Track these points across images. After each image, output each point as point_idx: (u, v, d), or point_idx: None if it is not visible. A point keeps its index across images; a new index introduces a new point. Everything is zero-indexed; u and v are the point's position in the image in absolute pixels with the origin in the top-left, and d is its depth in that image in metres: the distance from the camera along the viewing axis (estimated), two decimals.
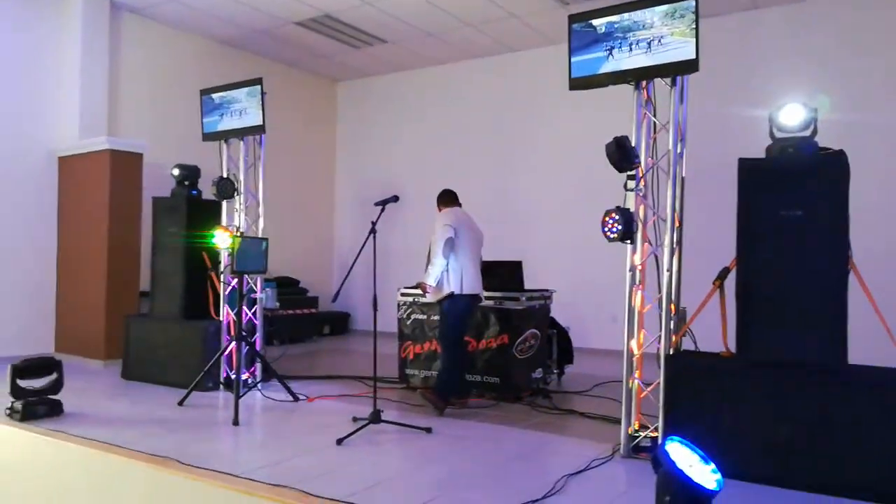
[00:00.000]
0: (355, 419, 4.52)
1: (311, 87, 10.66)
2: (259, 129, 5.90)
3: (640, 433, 3.95)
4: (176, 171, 6.32)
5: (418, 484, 3.51)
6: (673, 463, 2.29)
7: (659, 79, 3.99)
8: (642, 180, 4.02)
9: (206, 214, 6.18)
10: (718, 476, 2.32)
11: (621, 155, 3.78)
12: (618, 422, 4.51)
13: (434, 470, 3.75)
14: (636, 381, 3.99)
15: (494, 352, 5.51)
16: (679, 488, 2.24)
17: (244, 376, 5.58)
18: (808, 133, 3.63)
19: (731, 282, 3.77)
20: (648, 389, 3.96)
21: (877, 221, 5.94)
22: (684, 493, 2.23)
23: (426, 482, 3.54)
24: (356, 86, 10.89)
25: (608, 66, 4.06)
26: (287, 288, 9.26)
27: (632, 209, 3.94)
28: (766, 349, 3.57)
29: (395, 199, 4.79)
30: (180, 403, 5.15)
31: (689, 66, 3.77)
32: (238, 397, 4.75)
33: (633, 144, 3.91)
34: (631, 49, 3.98)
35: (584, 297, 7.77)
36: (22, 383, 4.64)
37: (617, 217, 3.82)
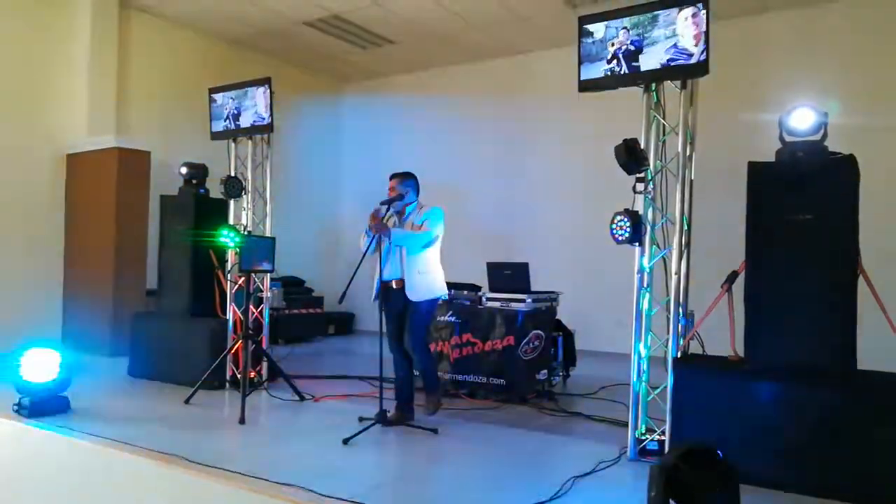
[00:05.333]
0: (361, 419, 4.52)
1: (319, 87, 10.68)
2: (267, 129, 5.90)
3: (648, 436, 3.94)
4: (184, 170, 6.34)
5: (425, 484, 3.51)
6: None
7: (668, 81, 3.99)
8: (651, 183, 4.01)
9: (214, 213, 6.18)
10: None
11: (630, 157, 3.78)
12: (624, 425, 4.50)
13: (441, 471, 3.76)
14: (643, 385, 3.98)
15: (500, 353, 5.51)
16: None
17: (250, 375, 5.58)
18: (818, 137, 3.62)
19: (739, 285, 3.77)
20: (655, 393, 3.95)
21: (887, 225, 5.89)
22: None
23: (433, 483, 3.55)
24: (363, 87, 10.91)
25: (618, 69, 4.06)
26: (292, 287, 9.29)
27: (640, 212, 3.94)
28: (774, 353, 3.56)
29: (401, 198, 4.77)
30: (187, 402, 5.16)
31: (700, 69, 3.77)
32: (245, 396, 4.76)
33: (642, 147, 3.91)
34: (641, 51, 3.97)
35: (589, 299, 7.75)
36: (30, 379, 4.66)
37: (625, 219, 3.82)
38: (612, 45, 4.07)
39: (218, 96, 6.24)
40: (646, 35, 3.94)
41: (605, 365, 7.03)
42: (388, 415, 4.48)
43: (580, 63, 4.19)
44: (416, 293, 4.63)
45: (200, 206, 6.20)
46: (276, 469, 3.54)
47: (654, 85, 4.04)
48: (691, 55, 3.79)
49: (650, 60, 3.93)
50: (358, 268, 4.45)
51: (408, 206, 4.81)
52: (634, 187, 3.96)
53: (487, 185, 9.02)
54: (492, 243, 8.24)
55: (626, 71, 4.02)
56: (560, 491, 3.30)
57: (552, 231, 8.66)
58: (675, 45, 3.84)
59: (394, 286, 4.68)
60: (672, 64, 3.85)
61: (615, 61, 4.07)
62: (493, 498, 3.23)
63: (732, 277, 3.81)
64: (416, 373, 4.86)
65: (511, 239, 8.51)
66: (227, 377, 5.81)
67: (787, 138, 3.69)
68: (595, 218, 7.96)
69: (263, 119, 5.90)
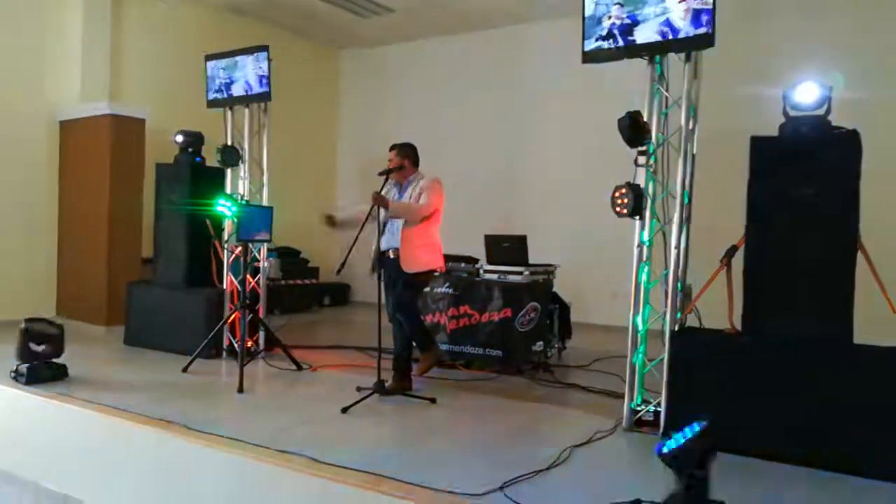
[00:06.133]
0: (359, 388, 4.54)
1: (315, 55, 10.54)
2: (265, 97, 5.84)
3: (643, 407, 3.98)
4: (179, 138, 6.27)
5: (425, 452, 3.54)
6: None
7: (672, 54, 3.95)
8: (653, 156, 3.99)
9: (210, 182, 6.13)
10: None
11: (634, 130, 3.76)
12: (619, 396, 4.55)
13: (440, 439, 3.79)
14: (640, 356, 4.01)
15: (497, 325, 5.53)
16: None
17: (247, 344, 5.58)
18: (821, 112, 3.61)
19: (738, 260, 3.79)
20: (652, 365, 3.98)
21: (889, 202, 5.83)
22: None
23: (432, 451, 3.58)
24: (360, 55, 10.78)
25: (621, 40, 4.01)
26: (288, 258, 9.26)
27: (641, 185, 3.93)
28: (771, 327, 3.58)
29: (400, 168, 4.75)
30: (184, 370, 5.17)
31: (705, 41, 3.73)
32: (242, 365, 4.77)
33: (645, 120, 3.89)
34: (636, 25, 3.94)
35: (585, 272, 7.76)
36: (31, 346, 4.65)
37: (627, 192, 3.81)
38: (609, 18, 4.03)
39: (214, 63, 6.15)
40: (636, 11, 3.91)
41: (600, 337, 7.08)
42: (386, 384, 4.50)
43: (584, 34, 4.14)
44: (410, 265, 4.63)
45: (196, 174, 6.16)
46: (275, 437, 3.57)
47: (657, 57, 4.00)
48: (679, 30, 3.75)
49: (644, 34, 3.89)
50: (357, 238, 4.43)
51: (407, 177, 4.79)
52: (636, 160, 3.95)
53: (485, 156, 8.97)
54: (489, 216, 8.19)
55: (622, 45, 3.99)
56: (557, 460, 3.34)
57: (549, 203, 8.63)
58: (666, 21, 3.80)
59: (391, 256, 4.69)
60: (677, 36, 3.80)
61: (611, 38, 4.03)
62: (491, 466, 3.25)
63: (732, 251, 3.82)
64: (415, 344, 4.89)
65: (508, 211, 8.50)
66: (224, 346, 5.82)
67: (791, 113, 3.68)
68: (592, 191, 7.91)
69: (261, 87, 5.83)
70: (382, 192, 4.62)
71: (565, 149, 8.60)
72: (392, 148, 4.84)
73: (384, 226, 4.66)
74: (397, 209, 4.59)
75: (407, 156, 4.80)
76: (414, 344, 4.85)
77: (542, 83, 8.82)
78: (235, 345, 5.69)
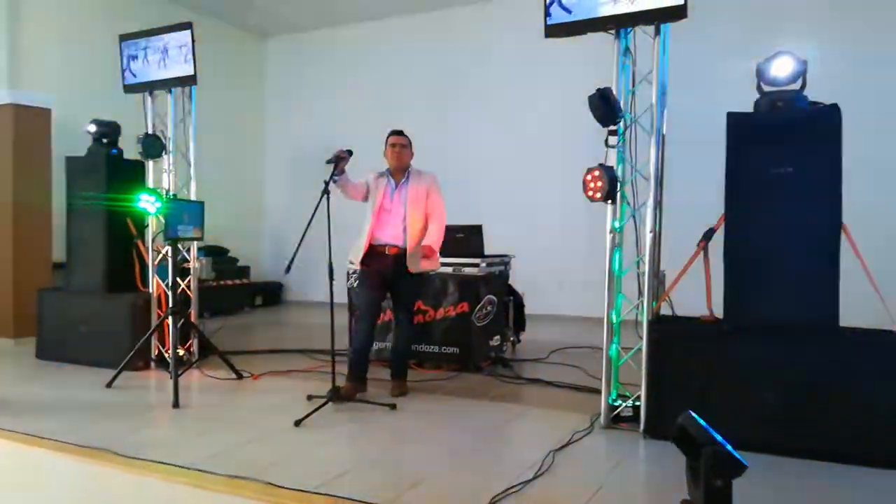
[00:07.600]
0: (311, 397, 4.14)
1: (238, 41, 9.94)
2: (190, 80, 5.31)
3: (620, 402, 3.76)
4: (92, 128, 5.63)
5: (396, 467, 3.19)
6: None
7: (640, 28, 3.73)
8: (622, 137, 3.76)
9: (129, 175, 5.57)
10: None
11: (606, 109, 3.51)
12: (586, 390, 4.37)
13: (410, 450, 3.44)
14: (615, 348, 3.78)
15: (453, 320, 5.22)
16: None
17: (179, 353, 5.07)
18: (797, 86, 3.46)
19: (714, 243, 3.61)
20: (629, 356, 3.77)
21: (868, 177, 5.79)
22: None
23: (405, 464, 3.23)
24: (287, 41, 10.23)
25: (587, 13, 3.76)
26: (216, 257, 8.69)
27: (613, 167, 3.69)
28: (754, 312, 3.41)
29: (350, 153, 4.35)
30: (109, 385, 4.62)
31: (677, 13, 3.52)
32: (176, 376, 4.28)
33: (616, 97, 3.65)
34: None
35: (532, 262, 7.55)
36: None
37: (601, 175, 3.55)
38: None
39: (130, 44, 5.56)
40: None
41: (549, 328, 6.91)
42: (340, 390, 4.12)
43: (547, 6, 3.87)
44: (419, 265, 4.36)
45: (113, 167, 5.55)
46: (222, 459, 3.15)
47: (622, 31, 3.76)
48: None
49: (623, 3, 3.65)
50: (305, 233, 4.00)
51: (405, 170, 4.51)
52: (607, 140, 3.71)
53: (427, 143, 8.58)
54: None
55: (597, 14, 3.74)
56: (542, 468, 3.05)
57: (493, 192, 8.37)
58: None
59: (388, 252, 4.37)
60: (647, 7, 3.58)
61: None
62: (472, 478, 2.95)
63: (709, 234, 3.64)
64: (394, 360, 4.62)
65: (457, 201, 8.19)
66: (153, 356, 5.29)
67: (766, 88, 3.52)
68: (536, 179, 7.74)
69: (185, 70, 5.29)
70: (376, 180, 4.47)
71: (511, 133, 8.34)
72: (399, 133, 4.53)
73: (379, 216, 4.39)
74: (437, 243, 4.40)
75: (411, 146, 4.55)
76: (394, 359, 4.62)
77: (490, 71, 8.53)
78: (166, 354, 5.17)
